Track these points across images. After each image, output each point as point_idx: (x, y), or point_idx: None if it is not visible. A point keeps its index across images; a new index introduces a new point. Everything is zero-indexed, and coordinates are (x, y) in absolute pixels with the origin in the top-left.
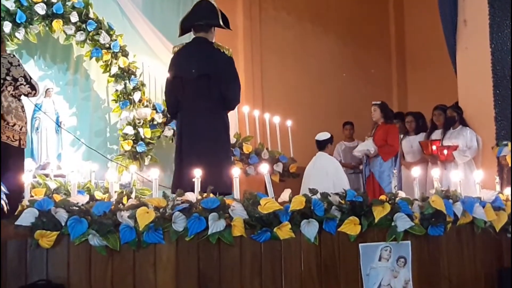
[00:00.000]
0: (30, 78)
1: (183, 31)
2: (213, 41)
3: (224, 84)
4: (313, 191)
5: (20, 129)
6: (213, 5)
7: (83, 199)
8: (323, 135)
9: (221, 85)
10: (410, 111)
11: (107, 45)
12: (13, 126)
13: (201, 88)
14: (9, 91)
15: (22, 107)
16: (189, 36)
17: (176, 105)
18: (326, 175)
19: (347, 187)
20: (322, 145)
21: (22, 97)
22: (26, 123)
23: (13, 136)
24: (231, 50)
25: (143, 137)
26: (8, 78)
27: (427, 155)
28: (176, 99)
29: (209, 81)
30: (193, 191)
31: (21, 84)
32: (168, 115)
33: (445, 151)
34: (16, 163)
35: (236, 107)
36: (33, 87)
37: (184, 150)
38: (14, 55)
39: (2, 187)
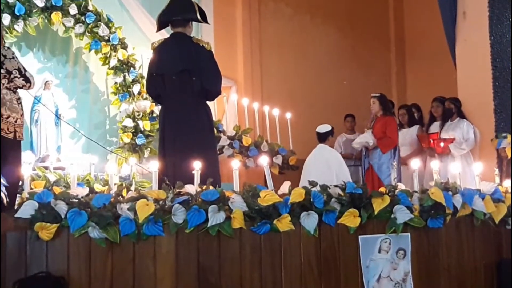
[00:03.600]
0: (25, 71)
1: (161, 26)
2: (191, 35)
3: (206, 78)
4: (313, 183)
5: (15, 121)
6: None
7: (82, 191)
8: (324, 127)
9: (202, 79)
10: (403, 104)
11: (106, 38)
12: (7, 118)
13: (183, 83)
14: (3, 84)
15: (18, 99)
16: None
17: (158, 99)
18: (328, 168)
19: (350, 179)
20: (323, 137)
21: (21, 90)
22: (22, 115)
23: (8, 129)
24: (210, 44)
25: (142, 129)
26: (1, 71)
27: (425, 147)
28: (157, 94)
29: (190, 76)
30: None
31: (15, 77)
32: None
33: (442, 144)
34: (13, 155)
35: (236, 100)
36: (27, 80)
37: (167, 146)
38: (8, 48)
39: (1, 179)
